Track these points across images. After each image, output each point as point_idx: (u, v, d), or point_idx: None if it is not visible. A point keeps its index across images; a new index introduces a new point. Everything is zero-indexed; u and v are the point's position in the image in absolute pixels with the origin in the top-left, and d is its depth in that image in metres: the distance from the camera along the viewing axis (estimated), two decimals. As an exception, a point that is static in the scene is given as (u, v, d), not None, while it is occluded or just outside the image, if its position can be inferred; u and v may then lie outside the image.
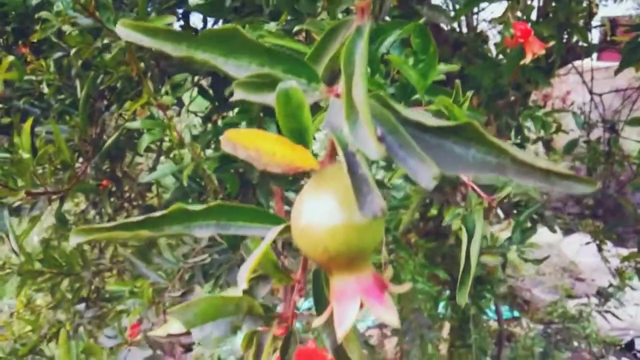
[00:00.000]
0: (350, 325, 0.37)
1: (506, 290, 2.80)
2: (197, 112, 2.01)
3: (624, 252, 2.83)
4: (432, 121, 0.35)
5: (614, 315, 2.96)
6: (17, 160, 1.03)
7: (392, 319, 0.37)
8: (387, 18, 1.12)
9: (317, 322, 0.40)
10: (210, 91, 1.57)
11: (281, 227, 0.41)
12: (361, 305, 0.38)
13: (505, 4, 1.38)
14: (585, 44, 2.14)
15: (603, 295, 3.07)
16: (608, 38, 2.29)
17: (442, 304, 2.70)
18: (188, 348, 3.67)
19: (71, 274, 1.76)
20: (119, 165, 1.90)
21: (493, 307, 3.05)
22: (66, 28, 1.05)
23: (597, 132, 2.44)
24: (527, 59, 1.06)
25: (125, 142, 1.75)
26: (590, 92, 2.56)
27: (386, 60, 0.80)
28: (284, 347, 0.46)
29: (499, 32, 1.55)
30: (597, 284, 3.67)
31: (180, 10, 1.54)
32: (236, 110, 1.51)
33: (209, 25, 1.55)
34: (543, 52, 1.05)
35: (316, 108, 0.49)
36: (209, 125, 1.67)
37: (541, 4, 1.87)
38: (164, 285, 1.33)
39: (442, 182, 1.74)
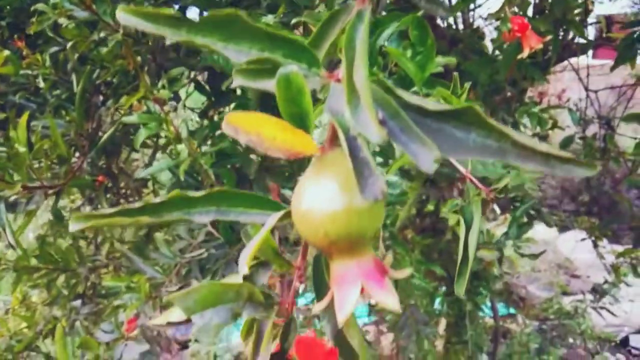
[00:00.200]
0: (351, 310, 0.37)
1: (502, 287, 2.80)
2: (194, 108, 2.00)
3: (619, 248, 2.84)
4: (432, 105, 0.35)
5: (609, 311, 2.97)
6: (13, 154, 1.02)
7: (393, 303, 0.37)
8: (384, 13, 1.12)
9: (318, 307, 0.40)
10: (207, 86, 1.57)
11: (281, 213, 0.41)
12: (362, 290, 0.38)
13: (501, 0, 1.38)
14: (581, 41, 2.15)
15: (598, 291, 3.09)
16: (604, 35, 2.30)
17: (438, 300, 2.71)
18: (184, 345, 3.67)
19: (67, 270, 1.75)
20: (115, 161, 1.89)
21: (489, 304, 3.06)
22: (62, 21, 1.05)
23: (592, 129, 2.45)
24: (525, 53, 1.06)
25: (122, 138, 1.74)
26: (586, 89, 2.57)
27: (384, 52, 0.80)
28: (284, 334, 0.46)
29: (496, 29, 1.55)
30: (593, 281, 3.70)
31: (176, 6, 1.54)
32: (233, 105, 1.51)
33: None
34: (540, 46, 1.06)
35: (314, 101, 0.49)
36: (205, 122, 1.67)
37: (537, 0, 1.87)
38: (160, 280, 1.33)
39: (438, 178, 1.74)
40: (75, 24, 1.05)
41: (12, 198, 1.10)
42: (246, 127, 0.35)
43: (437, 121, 0.36)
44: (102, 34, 1.03)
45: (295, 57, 0.39)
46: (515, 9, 1.36)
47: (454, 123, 0.36)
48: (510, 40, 1.10)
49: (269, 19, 0.92)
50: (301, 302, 2.14)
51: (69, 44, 1.06)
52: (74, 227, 0.43)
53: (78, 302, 1.88)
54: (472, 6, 2.31)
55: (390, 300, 0.37)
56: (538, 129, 2.30)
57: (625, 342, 4.12)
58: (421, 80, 0.77)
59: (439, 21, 2.26)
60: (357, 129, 0.34)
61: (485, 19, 2.38)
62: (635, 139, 2.09)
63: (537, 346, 3.21)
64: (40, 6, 1.04)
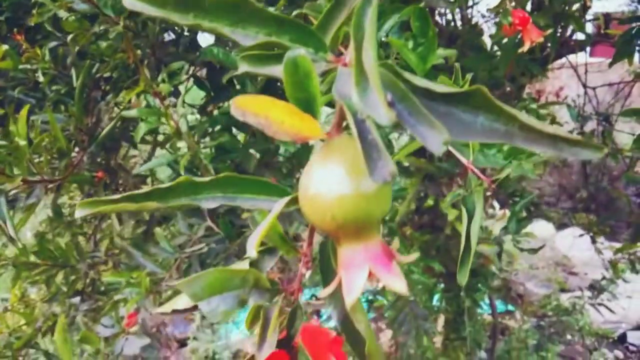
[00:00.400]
0: (359, 293, 0.37)
1: (500, 284, 2.81)
2: (193, 105, 2.00)
3: (617, 246, 2.85)
4: (440, 88, 0.35)
5: (607, 308, 2.98)
6: (13, 147, 1.02)
7: (401, 286, 0.37)
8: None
9: (325, 292, 0.40)
10: (206, 82, 1.57)
11: (288, 198, 0.41)
12: (370, 274, 0.38)
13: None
14: (579, 38, 2.15)
15: (596, 288, 3.10)
16: (602, 32, 2.31)
17: (436, 297, 2.71)
18: (183, 343, 3.67)
19: (66, 266, 1.75)
20: (113, 157, 1.89)
21: (487, 301, 3.07)
22: (62, 14, 1.04)
23: (590, 125, 2.45)
24: (526, 47, 1.06)
25: (121, 134, 1.74)
26: (584, 86, 2.58)
27: (386, 43, 0.80)
28: (291, 320, 0.46)
29: (495, 24, 1.55)
30: (590, 278, 3.70)
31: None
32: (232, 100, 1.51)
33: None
34: (541, 39, 1.06)
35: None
36: (204, 118, 1.67)
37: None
38: (161, 276, 1.33)
39: (438, 174, 1.74)
40: (76, 17, 1.05)
41: (12, 192, 1.10)
42: (254, 110, 0.35)
43: (445, 104, 0.36)
44: (102, 27, 1.03)
45: (302, 41, 0.39)
46: (513, 4, 1.36)
47: (461, 106, 0.36)
48: (511, 34, 1.11)
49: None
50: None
51: (69, 37, 1.06)
52: (80, 213, 0.43)
53: (77, 299, 1.87)
54: (470, 2, 2.31)
55: (398, 284, 0.37)
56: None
57: (622, 338, 4.13)
58: (423, 71, 0.77)
59: (437, 18, 2.26)
60: (366, 111, 0.34)
61: (486, 11, 2.38)
62: (633, 135, 2.10)
63: (535, 342, 3.21)
64: (40, -2, 1.04)
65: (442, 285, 2.71)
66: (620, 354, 4.00)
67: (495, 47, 1.79)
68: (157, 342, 1.32)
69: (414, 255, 0.39)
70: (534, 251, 1.57)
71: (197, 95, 1.80)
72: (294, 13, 0.89)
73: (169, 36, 1.54)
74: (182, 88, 1.65)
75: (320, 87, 0.41)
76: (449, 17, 2.23)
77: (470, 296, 2.63)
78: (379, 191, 0.38)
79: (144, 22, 1.17)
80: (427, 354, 2.52)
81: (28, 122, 1.13)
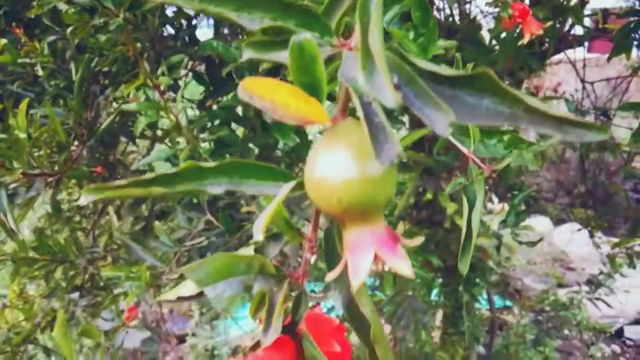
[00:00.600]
0: (365, 276, 0.37)
1: (498, 278, 2.82)
2: (192, 100, 2.00)
3: (615, 241, 2.86)
4: (446, 71, 0.35)
5: (604, 302, 3.00)
6: (13, 140, 1.02)
7: (406, 268, 0.37)
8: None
9: (330, 276, 0.40)
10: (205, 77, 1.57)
11: (294, 183, 0.41)
12: (375, 257, 0.38)
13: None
14: (577, 32, 2.15)
15: (593, 283, 3.11)
16: (600, 26, 2.31)
17: (435, 292, 2.72)
18: (182, 339, 3.67)
19: (65, 262, 1.75)
20: (112, 152, 1.89)
21: (485, 296, 3.08)
22: (62, 6, 1.04)
23: (588, 119, 2.46)
24: (525, 39, 1.06)
25: (120, 129, 1.74)
26: (582, 81, 2.58)
27: (386, 34, 0.80)
28: (296, 306, 0.46)
29: (494, 18, 1.56)
30: (588, 273, 3.72)
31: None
32: (232, 94, 1.51)
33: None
34: (541, 32, 1.06)
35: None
36: (203, 113, 1.67)
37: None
38: (161, 269, 1.33)
39: (437, 168, 1.74)
40: (75, 9, 1.04)
41: (12, 186, 1.10)
42: (261, 93, 0.35)
43: (451, 87, 0.36)
44: (102, 20, 1.03)
45: (308, 25, 0.39)
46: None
47: (467, 89, 0.36)
48: (511, 26, 1.11)
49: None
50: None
51: (69, 30, 1.05)
52: (85, 199, 0.43)
53: (76, 295, 1.87)
54: (468, -2, 2.31)
55: (403, 266, 0.37)
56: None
57: (620, 333, 4.15)
58: (424, 62, 0.77)
59: (435, 13, 2.26)
60: (372, 94, 0.34)
61: (482, 11, 2.39)
62: (631, 130, 2.10)
63: (533, 337, 3.23)
64: (40, -9, 1.04)
65: (440, 280, 2.72)
66: (617, 348, 4.03)
67: (494, 42, 1.80)
68: (157, 336, 1.32)
69: (420, 239, 0.40)
70: (532, 244, 1.58)
71: (195, 91, 1.79)
72: None
73: (167, 31, 1.54)
74: (181, 83, 1.65)
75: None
76: (447, 11, 2.23)
77: (469, 291, 2.64)
78: (385, 175, 0.38)
79: (143, 15, 1.17)
80: (426, 348, 2.53)
81: (27, 116, 1.12)
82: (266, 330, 0.44)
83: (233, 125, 1.51)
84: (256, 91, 0.35)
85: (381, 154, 0.33)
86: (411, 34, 0.77)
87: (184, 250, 1.33)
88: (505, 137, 0.75)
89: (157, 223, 1.36)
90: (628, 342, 4.11)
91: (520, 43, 1.09)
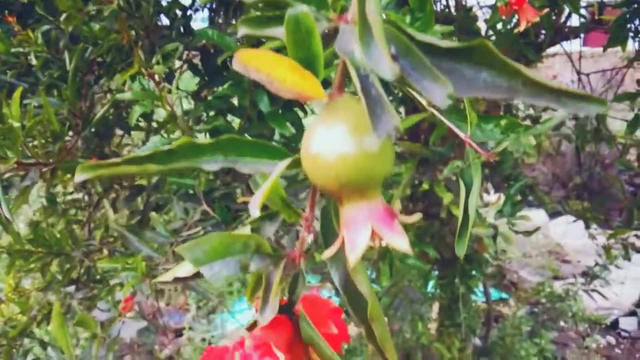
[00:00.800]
0: (362, 251, 0.37)
1: (494, 270, 2.83)
2: (186, 91, 1.99)
3: (610, 232, 2.87)
4: (444, 43, 0.35)
5: (599, 294, 3.01)
6: (6, 129, 1.01)
7: (404, 244, 0.37)
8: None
9: (327, 253, 0.40)
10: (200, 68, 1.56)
11: (290, 159, 0.41)
12: (372, 233, 0.38)
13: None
14: (573, 24, 2.15)
15: (589, 275, 3.12)
16: (596, 18, 2.31)
17: (431, 284, 2.72)
18: (179, 333, 3.67)
19: (61, 254, 1.74)
20: (107, 144, 1.88)
21: (481, 288, 3.09)
22: (56, -6, 1.03)
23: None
24: (522, 27, 1.06)
25: (115, 121, 1.73)
26: (578, 73, 2.58)
27: (383, 18, 0.80)
28: (292, 286, 0.46)
29: (490, 7, 1.55)
30: (583, 265, 3.73)
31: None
32: (227, 84, 1.50)
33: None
34: (537, 19, 1.06)
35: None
36: (199, 104, 1.66)
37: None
38: (157, 260, 1.32)
39: (433, 158, 1.73)
40: (69, -4, 1.04)
41: (7, 176, 1.09)
42: (257, 65, 0.35)
43: (449, 60, 0.36)
44: (95, 7, 1.02)
45: (304, -1, 0.39)
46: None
47: (465, 62, 0.35)
48: (507, 14, 1.10)
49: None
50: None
51: (63, 17, 1.04)
52: (79, 177, 0.42)
53: (72, 288, 1.86)
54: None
55: (401, 242, 0.37)
56: (531, 111, 2.31)
57: (615, 324, 4.18)
58: (421, 47, 0.77)
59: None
60: (370, 66, 0.33)
61: (478, 2, 2.38)
62: (626, 121, 2.11)
63: (529, 329, 3.24)
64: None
65: (436, 273, 2.73)
66: (612, 339, 4.05)
67: (490, 32, 1.80)
68: (153, 327, 1.32)
69: (417, 215, 0.39)
70: (528, 233, 1.58)
71: (190, 83, 1.78)
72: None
73: (161, 22, 1.53)
74: (176, 75, 1.64)
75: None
76: (443, 2, 2.23)
77: (465, 283, 2.65)
78: (382, 150, 0.38)
79: (137, 2, 1.16)
80: (422, 340, 2.53)
81: (21, 106, 1.12)
82: (263, 310, 0.44)
83: (229, 117, 1.50)
84: (252, 63, 0.35)
85: (378, 127, 0.33)
86: (408, 18, 0.77)
87: (180, 241, 1.32)
88: (502, 122, 0.74)
89: (153, 214, 1.35)
90: (623, 333, 4.13)
91: (516, 31, 1.09)
